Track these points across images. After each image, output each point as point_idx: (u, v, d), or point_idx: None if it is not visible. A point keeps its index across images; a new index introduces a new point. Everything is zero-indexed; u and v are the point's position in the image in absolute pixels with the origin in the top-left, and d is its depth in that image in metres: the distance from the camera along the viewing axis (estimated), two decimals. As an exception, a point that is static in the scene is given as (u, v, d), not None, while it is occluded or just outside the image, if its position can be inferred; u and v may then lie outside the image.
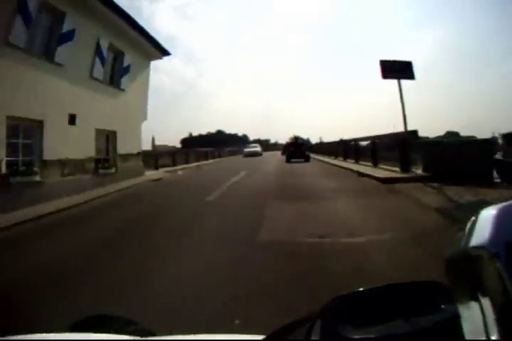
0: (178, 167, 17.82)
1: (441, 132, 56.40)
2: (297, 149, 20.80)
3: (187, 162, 20.62)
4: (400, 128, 9.73)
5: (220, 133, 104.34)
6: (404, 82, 9.80)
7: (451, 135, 42.81)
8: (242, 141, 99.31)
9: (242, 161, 23.97)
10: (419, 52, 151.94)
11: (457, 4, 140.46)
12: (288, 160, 19.78)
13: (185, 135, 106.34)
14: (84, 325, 0.83)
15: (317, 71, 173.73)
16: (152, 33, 12.81)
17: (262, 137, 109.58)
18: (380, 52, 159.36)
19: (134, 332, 0.76)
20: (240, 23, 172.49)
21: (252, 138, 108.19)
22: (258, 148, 34.75)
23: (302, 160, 19.69)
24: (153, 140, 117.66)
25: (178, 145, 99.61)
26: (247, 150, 33.30)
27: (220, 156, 30.05)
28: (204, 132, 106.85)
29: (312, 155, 22.25)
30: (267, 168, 16.23)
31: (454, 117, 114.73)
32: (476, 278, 0.35)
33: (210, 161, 25.14)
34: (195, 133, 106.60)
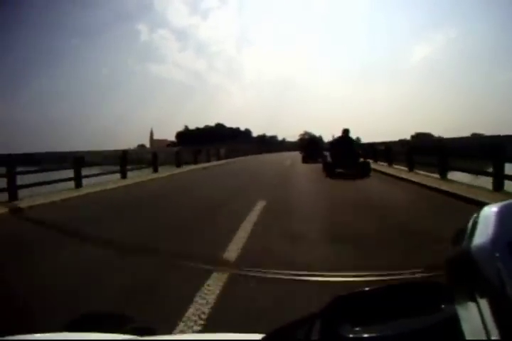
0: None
1: (466, 133, 55.64)
2: (314, 150, 19.55)
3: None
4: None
5: (219, 126, 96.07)
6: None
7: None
8: (244, 136, 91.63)
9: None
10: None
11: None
12: (305, 161, 19.15)
13: (181, 128, 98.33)
14: (82, 324, 0.85)
15: (329, 64, 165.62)
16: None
17: (268, 133, 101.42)
18: (392, 49, 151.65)
19: (133, 330, 0.75)
20: (251, 16, 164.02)
21: (255, 133, 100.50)
22: None
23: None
24: (151, 134, 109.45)
25: (174, 140, 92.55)
26: None
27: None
28: (202, 125, 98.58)
29: None
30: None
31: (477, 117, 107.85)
32: (476, 278, 0.36)
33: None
34: (191, 127, 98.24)
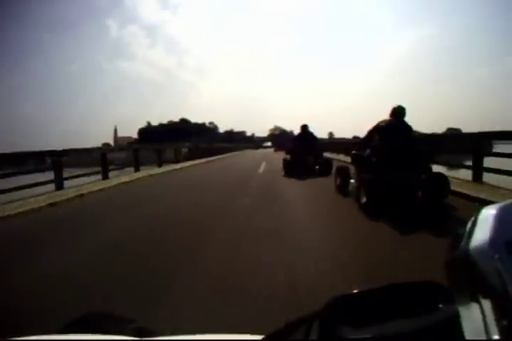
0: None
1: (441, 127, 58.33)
2: (308, 151, 9.20)
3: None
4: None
5: (184, 122, 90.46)
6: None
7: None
8: (210, 131, 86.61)
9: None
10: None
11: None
12: (288, 172, 8.91)
13: (144, 124, 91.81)
14: (79, 325, 0.81)
15: (299, 61, 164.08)
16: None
17: (236, 128, 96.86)
18: (366, 41, 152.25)
19: (132, 331, 0.73)
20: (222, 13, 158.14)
21: (222, 129, 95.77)
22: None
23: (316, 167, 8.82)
24: (115, 132, 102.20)
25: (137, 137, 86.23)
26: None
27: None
28: (165, 121, 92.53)
29: None
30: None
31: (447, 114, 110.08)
32: (476, 278, 0.36)
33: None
34: (154, 122, 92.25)
